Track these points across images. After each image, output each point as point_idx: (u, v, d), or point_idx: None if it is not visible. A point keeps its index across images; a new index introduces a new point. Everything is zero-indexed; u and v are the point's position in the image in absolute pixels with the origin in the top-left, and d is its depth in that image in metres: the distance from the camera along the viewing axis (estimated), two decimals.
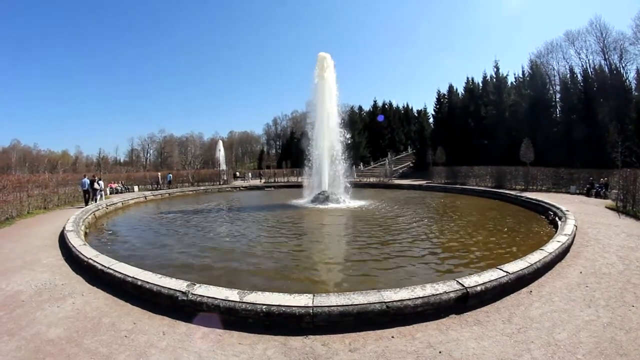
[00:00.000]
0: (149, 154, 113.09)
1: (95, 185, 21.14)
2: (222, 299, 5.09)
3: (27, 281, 7.05)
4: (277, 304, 4.89)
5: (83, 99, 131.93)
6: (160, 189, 33.97)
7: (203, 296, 5.23)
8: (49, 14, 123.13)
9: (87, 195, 20.93)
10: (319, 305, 4.84)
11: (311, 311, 4.77)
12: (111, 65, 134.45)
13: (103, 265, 7.09)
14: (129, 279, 6.24)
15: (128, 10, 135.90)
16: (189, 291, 5.38)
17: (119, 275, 6.48)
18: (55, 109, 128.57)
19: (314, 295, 5.10)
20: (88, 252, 8.14)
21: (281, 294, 5.25)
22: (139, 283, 6.01)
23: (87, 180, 21.08)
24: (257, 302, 4.93)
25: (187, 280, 6.03)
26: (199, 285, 5.61)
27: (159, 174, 40.78)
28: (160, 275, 6.22)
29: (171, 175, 39.03)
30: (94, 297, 6.13)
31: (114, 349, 4.39)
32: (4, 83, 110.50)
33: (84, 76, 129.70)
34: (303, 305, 4.85)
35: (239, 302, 4.99)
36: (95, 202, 20.49)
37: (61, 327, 4.98)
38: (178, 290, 5.47)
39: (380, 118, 74.61)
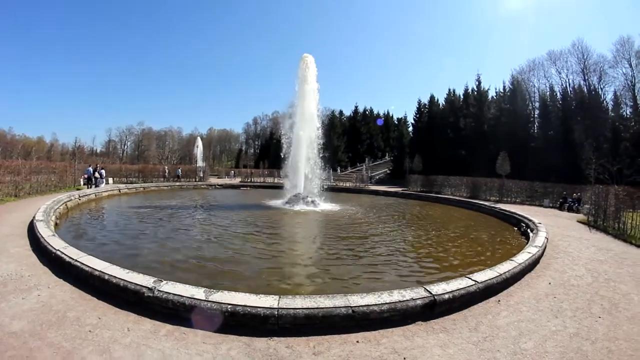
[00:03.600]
0: (126, 146, 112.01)
1: (96, 174, 27.06)
2: (187, 297, 5.00)
3: None
4: (243, 304, 4.83)
5: (63, 86, 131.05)
6: (167, 182, 35.54)
7: (169, 293, 5.13)
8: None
9: (89, 181, 26.28)
10: (285, 307, 4.79)
11: (276, 313, 4.71)
12: (93, 55, 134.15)
13: (70, 258, 6.88)
14: (96, 272, 6.08)
15: (112, 2, 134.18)
16: (155, 287, 5.28)
17: (86, 269, 6.31)
18: (33, 94, 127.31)
19: (279, 297, 5.05)
20: (56, 244, 7.92)
21: (247, 294, 5.18)
22: (106, 277, 5.86)
23: (91, 169, 27.35)
24: (223, 302, 4.86)
25: (155, 276, 5.90)
26: (165, 282, 5.50)
27: (167, 167, 42.42)
28: (127, 270, 6.07)
29: (180, 169, 41.08)
30: (60, 290, 5.97)
31: (77, 343, 4.27)
32: None
33: (65, 64, 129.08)
34: (268, 306, 4.79)
35: (205, 300, 4.91)
36: (96, 187, 25.57)
37: (25, 320, 4.82)
38: (144, 286, 5.35)
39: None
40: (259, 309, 4.76)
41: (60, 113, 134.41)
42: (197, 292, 5.12)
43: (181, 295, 5.06)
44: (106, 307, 5.34)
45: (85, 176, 27.72)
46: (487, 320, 5.40)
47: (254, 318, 4.73)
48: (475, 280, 6.24)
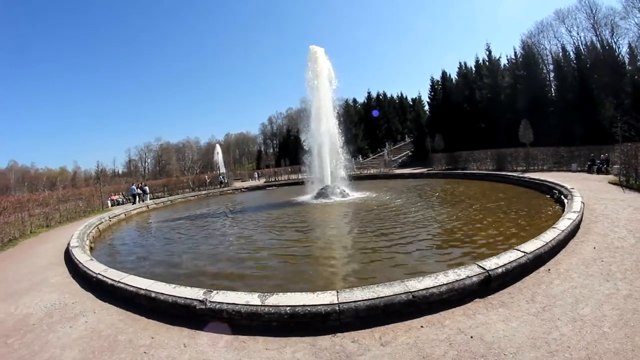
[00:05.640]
0: (147, 163, 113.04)
1: (138, 191, 30.40)
2: (242, 304, 4.93)
3: (36, 303, 6.84)
4: (302, 304, 4.75)
5: (77, 114, 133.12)
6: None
7: (222, 303, 5.06)
8: (39, 32, 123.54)
9: (135, 197, 29.55)
10: (345, 301, 4.71)
11: (337, 308, 4.63)
12: (103, 78, 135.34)
13: (113, 280, 6.87)
14: (142, 291, 6.05)
15: (117, 22, 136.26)
16: (206, 299, 5.21)
17: (131, 289, 6.29)
18: (50, 127, 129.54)
19: (337, 292, 4.96)
20: (96, 267, 7.93)
21: (304, 293, 5.11)
22: (153, 295, 5.82)
23: (134, 187, 30.95)
24: (280, 304, 4.79)
25: (202, 287, 5.86)
26: (216, 291, 5.44)
27: (206, 176, 42.85)
28: (174, 285, 6.02)
29: (221, 176, 41.85)
30: (106, 314, 5.95)
31: None
32: None
33: (76, 91, 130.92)
34: (328, 302, 4.70)
35: (261, 305, 4.84)
36: (143, 202, 28.41)
37: (76, 349, 4.78)
38: (195, 299, 5.29)
39: (375, 113, 74.50)
40: (319, 307, 4.67)
41: (78, 141, 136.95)
42: (251, 298, 5.05)
43: (235, 304, 4.99)
44: (157, 325, 5.28)
45: (114, 197, 30.42)
46: (542, 290, 5.35)
47: (315, 317, 4.65)
48: (524, 252, 6.14)
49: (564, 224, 8.07)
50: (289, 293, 5.15)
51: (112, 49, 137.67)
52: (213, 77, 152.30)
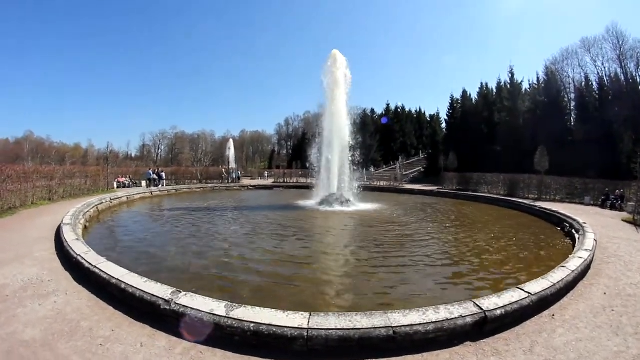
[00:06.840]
0: (160, 150, 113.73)
1: (154, 176, 32.23)
2: (206, 312, 4.56)
3: (15, 275, 6.78)
4: (267, 322, 4.31)
5: (98, 93, 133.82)
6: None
7: (187, 307, 4.71)
8: (62, 9, 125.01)
9: (149, 182, 31.29)
10: (315, 327, 4.24)
11: (306, 334, 4.17)
12: (127, 61, 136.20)
13: (90, 264, 6.70)
14: (114, 280, 5.83)
15: (142, 7, 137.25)
16: (172, 299, 4.89)
17: (104, 276, 6.08)
18: (70, 102, 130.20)
19: (310, 315, 4.50)
20: (79, 248, 7.76)
21: (273, 310, 4.66)
22: (123, 286, 5.58)
23: (151, 172, 32.98)
24: (245, 319, 4.38)
25: (178, 284, 5.68)
26: (184, 293, 5.11)
27: (224, 169, 42.85)
28: (146, 279, 5.76)
29: (239, 172, 42.27)
30: (77, 297, 5.79)
31: (86, 358, 4.03)
32: (21, 74, 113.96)
33: (100, 71, 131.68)
34: (297, 326, 4.25)
35: (225, 317, 4.45)
36: (160, 186, 30.79)
37: (38, 328, 4.69)
38: (161, 298, 4.98)
39: (384, 120, 73.81)
40: (285, 329, 4.24)
41: (95, 119, 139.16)
42: (217, 307, 4.68)
43: (199, 310, 4.64)
44: (122, 317, 5.11)
45: (121, 179, 30.99)
46: (543, 339, 4.79)
47: (279, 339, 4.24)
48: (528, 292, 5.58)
49: (574, 263, 7.52)
50: (257, 308, 4.72)
51: (136, 34, 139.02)
52: (235, 72, 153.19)
